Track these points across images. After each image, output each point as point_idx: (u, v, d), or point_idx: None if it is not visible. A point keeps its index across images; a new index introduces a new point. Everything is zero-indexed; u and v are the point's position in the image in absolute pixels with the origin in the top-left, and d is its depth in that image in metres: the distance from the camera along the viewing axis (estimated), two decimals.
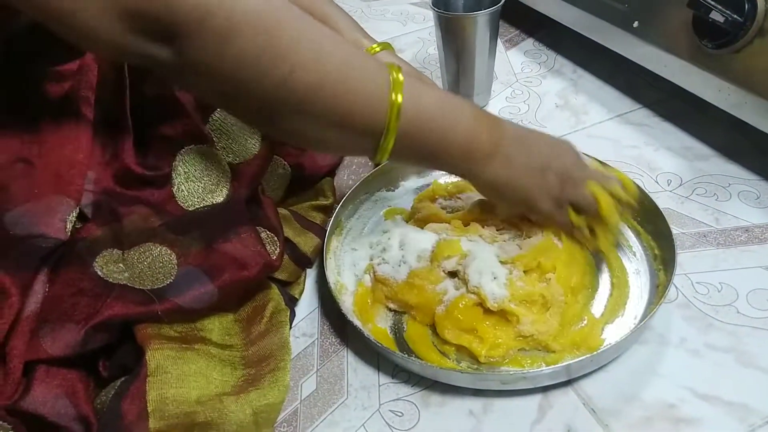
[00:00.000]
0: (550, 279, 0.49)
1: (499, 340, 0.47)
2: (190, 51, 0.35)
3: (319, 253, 0.58)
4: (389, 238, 0.54)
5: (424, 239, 0.53)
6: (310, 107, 0.39)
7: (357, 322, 0.48)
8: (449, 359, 0.48)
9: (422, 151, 0.44)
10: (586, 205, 0.50)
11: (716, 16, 0.55)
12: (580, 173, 0.50)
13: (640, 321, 0.47)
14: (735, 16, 0.54)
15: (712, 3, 0.55)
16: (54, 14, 0.32)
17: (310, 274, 0.58)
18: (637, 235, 0.55)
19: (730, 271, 0.53)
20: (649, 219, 0.54)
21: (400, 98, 0.40)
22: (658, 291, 0.49)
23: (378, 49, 0.60)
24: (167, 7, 0.33)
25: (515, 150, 0.47)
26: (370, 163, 0.70)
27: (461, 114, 0.44)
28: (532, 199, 0.49)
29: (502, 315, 0.48)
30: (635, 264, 0.53)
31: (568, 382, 0.46)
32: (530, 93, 0.81)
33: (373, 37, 0.62)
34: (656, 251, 0.53)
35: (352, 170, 0.70)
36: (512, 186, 0.48)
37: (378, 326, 0.51)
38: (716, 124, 0.68)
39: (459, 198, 0.60)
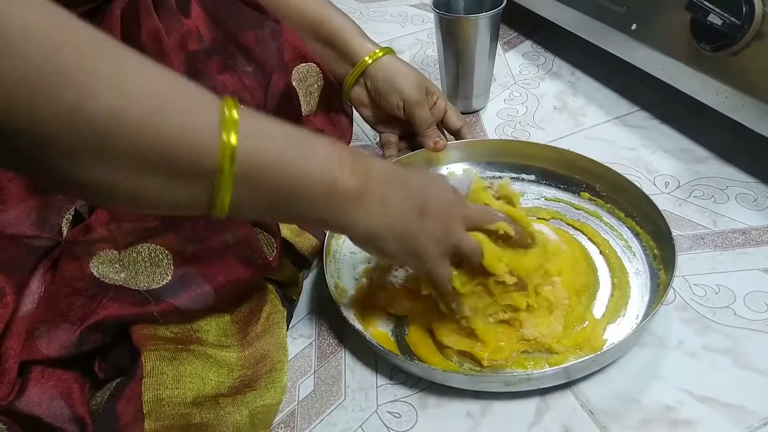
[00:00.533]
0: (555, 282, 0.49)
1: (502, 344, 0.47)
2: None
3: (317, 254, 0.58)
4: None
5: None
6: (113, 145, 0.29)
7: (359, 326, 0.48)
8: (452, 362, 0.48)
9: (272, 200, 0.35)
10: (469, 253, 0.43)
11: (714, 18, 0.55)
12: (461, 211, 0.43)
13: (642, 321, 0.47)
14: (733, 18, 0.54)
15: (710, 6, 0.55)
16: None
17: (308, 276, 0.58)
18: (637, 235, 0.55)
19: (727, 273, 0.53)
20: (649, 220, 0.55)
21: (234, 139, 0.31)
22: (659, 290, 0.49)
23: (380, 54, 0.61)
24: None
25: (388, 189, 0.39)
26: None
27: (315, 151, 0.36)
28: (418, 247, 0.41)
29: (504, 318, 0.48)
30: (635, 264, 0.53)
31: (566, 384, 0.46)
32: (528, 95, 0.81)
33: (375, 42, 0.62)
34: (656, 251, 0.53)
35: None
36: (394, 234, 0.40)
37: (379, 329, 0.51)
38: (714, 127, 0.69)
39: None
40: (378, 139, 0.70)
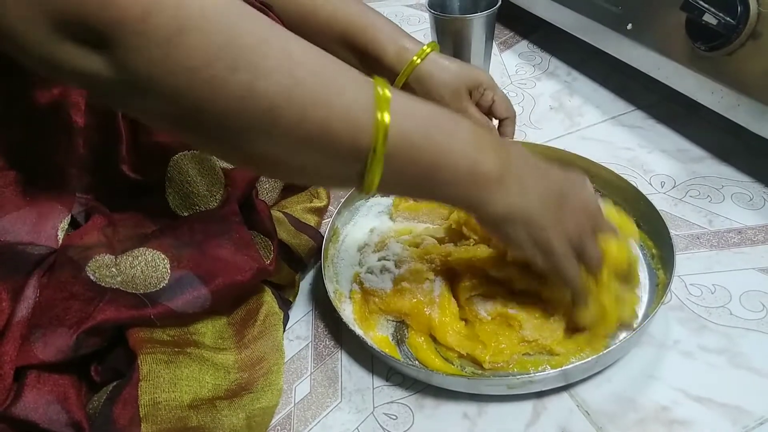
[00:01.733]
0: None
1: (503, 346, 0.47)
2: (128, 59, 0.28)
3: (314, 256, 0.58)
4: (367, 249, 0.55)
5: (398, 246, 0.54)
6: (280, 123, 0.32)
7: (359, 331, 0.48)
8: (453, 365, 0.47)
9: (416, 178, 0.37)
10: (589, 260, 0.43)
11: (709, 18, 0.55)
12: (598, 217, 0.44)
13: (642, 321, 0.47)
14: (728, 18, 0.54)
15: (705, 5, 0.55)
16: None
17: (305, 277, 0.58)
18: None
19: (723, 272, 0.53)
20: (645, 219, 0.55)
21: (387, 118, 0.33)
22: (658, 290, 0.49)
23: (428, 50, 0.58)
24: (100, 2, 0.27)
25: (528, 174, 0.40)
26: None
27: (459, 132, 0.38)
28: (549, 240, 0.41)
29: (504, 319, 0.48)
30: None
31: (563, 386, 0.46)
32: (524, 95, 0.81)
33: (419, 40, 0.59)
34: (654, 250, 0.53)
35: None
36: (528, 219, 0.40)
37: (378, 334, 0.50)
38: (710, 127, 0.69)
39: None
40: None
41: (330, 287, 0.51)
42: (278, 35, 0.32)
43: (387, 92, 0.34)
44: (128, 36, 0.28)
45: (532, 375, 0.45)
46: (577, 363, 0.44)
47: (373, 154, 0.34)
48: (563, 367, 0.43)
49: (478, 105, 0.62)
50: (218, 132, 0.32)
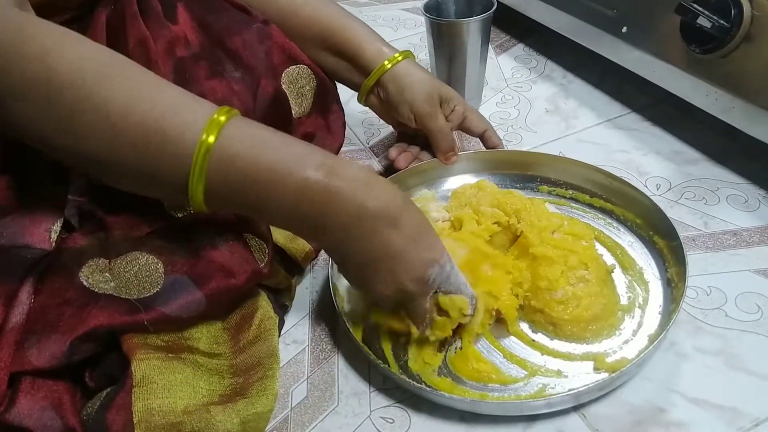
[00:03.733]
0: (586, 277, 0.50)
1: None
2: None
3: (310, 260, 0.58)
4: None
5: None
6: (106, 123, 0.36)
7: (373, 357, 0.46)
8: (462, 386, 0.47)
9: (244, 194, 0.39)
10: (414, 318, 0.46)
11: (703, 21, 0.55)
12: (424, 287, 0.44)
13: (660, 334, 0.45)
14: (722, 21, 0.54)
15: (700, 8, 0.55)
16: None
17: (302, 281, 0.58)
18: (647, 240, 0.55)
19: (718, 274, 0.53)
20: (649, 220, 0.55)
21: (211, 138, 0.37)
22: (674, 296, 0.49)
23: (400, 58, 0.60)
24: None
25: (349, 234, 0.41)
26: None
27: (288, 148, 0.39)
28: (374, 285, 0.43)
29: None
30: (645, 260, 0.54)
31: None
32: (520, 98, 0.81)
33: (394, 47, 0.61)
34: (665, 251, 0.53)
35: None
36: (354, 262, 0.43)
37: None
38: (705, 129, 0.69)
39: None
40: (377, 142, 0.70)
41: (346, 308, 0.51)
42: (123, 69, 0.38)
43: (222, 118, 0.38)
44: None
45: (548, 399, 0.43)
46: (592, 384, 0.42)
47: (193, 171, 0.37)
48: (574, 390, 0.42)
49: (448, 119, 0.63)
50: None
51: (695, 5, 0.55)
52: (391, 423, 0.45)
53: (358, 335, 0.49)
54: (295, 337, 0.53)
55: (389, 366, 0.47)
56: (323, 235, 0.41)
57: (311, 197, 0.39)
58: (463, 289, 0.45)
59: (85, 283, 0.41)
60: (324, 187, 0.39)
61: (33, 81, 0.35)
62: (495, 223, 0.55)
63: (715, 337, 0.48)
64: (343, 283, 0.55)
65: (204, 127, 0.37)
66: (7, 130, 0.39)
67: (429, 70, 0.77)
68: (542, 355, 0.48)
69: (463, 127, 0.65)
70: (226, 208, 0.44)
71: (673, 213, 0.60)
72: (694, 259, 0.55)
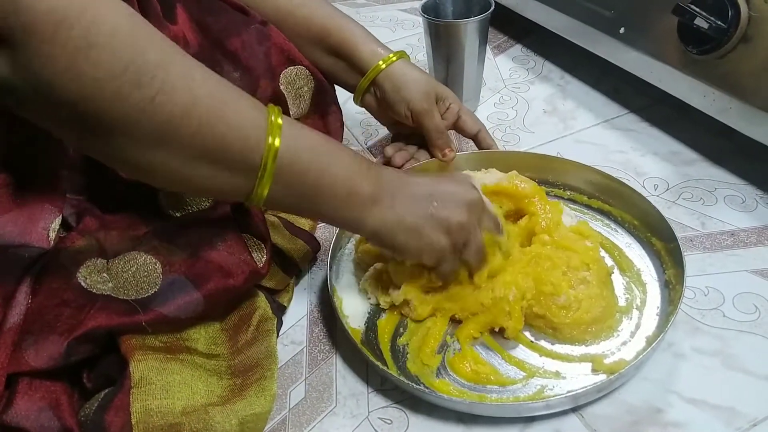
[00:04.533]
0: (587, 278, 0.50)
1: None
2: (33, 63, 0.30)
3: (309, 261, 0.58)
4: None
5: None
6: (176, 136, 0.35)
7: (372, 358, 0.46)
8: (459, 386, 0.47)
9: (301, 196, 0.41)
10: (474, 254, 0.47)
11: (701, 22, 0.55)
12: (475, 209, 0.46)
13: (658, 335, 0.46)
14: (719, 22, 0.55)
15: (697, 9, 0.55)
16: None
17: (300, 282, 0.58)
18: (645, 241, 0.56)
19: (716, 275, 0.53)
20: (646, 222, 0.55)
21: (277, 142, 0.38)
22: (671, 297, 0.49)
23: (395, 58, 0.60)
24: (14, 4, 0.29)
25: (397, 189, 0.44)
26: None
27: (339, 158, 0.42)
28: (428, 239, 0.45)
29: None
30: (644, 260, 0.54)
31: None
32: (518, 99, 0.81)
33: (389, 47, 0.61)
34: (663, 252, 0.53)
35: None
36: (403, 227, 0.44)
37: (354, 327, 0.51)
38: (702, 129, 0.69)
39: None
40: (375, 143, 0.70)
41: (353, 324, 0.51)
42: (181, 58, 0.36)
43: (279, 120, 0.39)
44: (36, 43, 0.30)
45: (547, 401, 0.43)
46: (590, 386, 0.43)
47: (263, 172, 0.38)
48: (573, 392, 0.43)
49: (443, 118, 0.64)
50: (118, 140, 0.34)
51: (692, 6, 0.56)
52: (389, 424, 0.45)
53: (356, 336, 0.49)
54: (294, 337, 0.53)
55: (388, 367, 0.47)
56: (363, 229, 0.44)
57: (360, 200, 0.43)
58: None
59: (83, 283, 0.41)
60: (370, 195, 0.43)
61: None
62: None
63: (713, 338, 0.48)
64: (341, 284, 0.55)
65: (266, 129, 0.38)
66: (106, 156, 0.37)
67: (427, 70, 0.78)
68: (540, 356, 0.48)
69: (456, 127, 0.66)
70: (278, 207, 0.47)
71: (670, 213, 0.60)
72: (691, 260, 0.55)
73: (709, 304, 0.51)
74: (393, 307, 0.52)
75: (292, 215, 0.59)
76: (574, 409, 0.45)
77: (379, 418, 0.46)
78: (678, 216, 0.59)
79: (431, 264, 0.47)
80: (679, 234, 0.55)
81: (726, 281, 0.52)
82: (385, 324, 0.52)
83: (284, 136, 0.38)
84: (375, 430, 0.45)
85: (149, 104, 0.33)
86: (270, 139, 0.38)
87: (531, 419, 0.44)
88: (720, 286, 0.52)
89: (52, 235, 0.41)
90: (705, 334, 0.49)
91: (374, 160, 0.73)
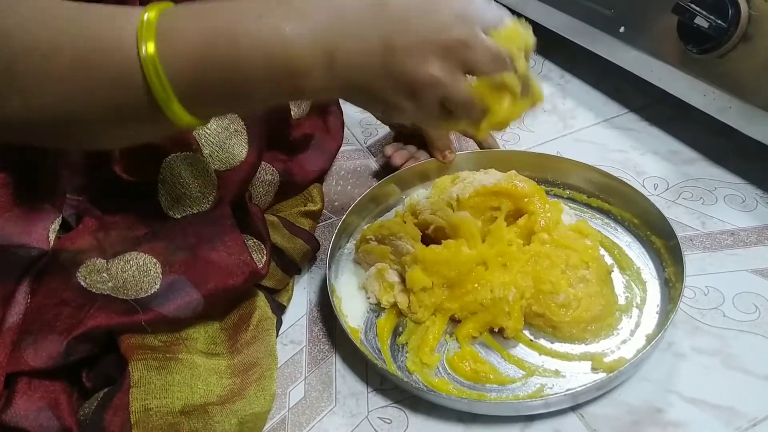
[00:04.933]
0: (586, 277, 0.50)
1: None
2: None
3: (308, 260, 0.58)
4: None
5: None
6: (32, 63, 0.31)
7: (371, 357, 0.47)
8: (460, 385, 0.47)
9: (220, 93, 0.34)
10: (462, 113, 0.36)
11: (701, 21, 0.55)
12: (453, 50, 0.33)
13: (658, 333, 0.46)
14: (719, 21, 0.55)
15: (697, 8, 0.55)
16: None
17: (299, 281, 0.58)
18: (646, 240, 0.55)
19: (716, 274, 0.53)
20: (646, 221, 0.55)
21: (151, 48, 0.31)
22: (671, 295, 0.49)
23: None
24: None
25: (338, 31, 0.32)
26: (359, 170, 0.70)
27: (247, 21, 0.32)
28: (388, 104, 0.34)
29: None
30: (643, 260, 0.54)
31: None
32: None
33: None
34: (662, 250, 0.53)
35: (341, 176, 0.70)
36: (353, 91, 0.35)
37: (353, 326, 0.51)
38: (702, 129, 0.69)
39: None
40: (375, 142, 0.70)
41: (352, 323, 0.51)
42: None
43: (151, 17, 0.32)
44: None
45: (542, 399, 0.43)
46: (589, 384, 0.43)
47: (152, 84, 0.31)
48: (572, 390, 0.43)
49: None
50: None
51: (692, 5, 0.56)
52: (389, 423, 0.45)
53: (355, 335, 0.49)
54: (293, 337, 0.53)
55: (387, 366, 0.47)
56: (311, 70, 0.33)
57: (294, 66, 0.32)
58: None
59: (82, 283, 0.41)
60: (298, 62, 0.32)
61: None
62: (492, 209, 0.55)
63: (713, 337, 0.48)
64: (340, 283, 0.55)
65: (136, 35, 0.31)
66: None
67: None
68: (540, 355, 0.48)
69: None
70: (209, 108, 0.36)
71: (670, 213, 0.60)
72: (691, 259, 0.55)
73: (709, 303, 0.51)
74: (393, 306, 0.52)
75: (290, 215, 0.59)
76: (574, 409, 0.45)
77: (378, 417, 0.46)
78: (678, 215, 0.59)
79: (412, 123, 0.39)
80: (679, 233, 0.55)
81: (726, 281, 0.52)
82: (385, 323, 0.52)
83: (160, 37, 0.31)
84: (374, 429, 0.45)
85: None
86: (143, 48, 0.31)
87: (531, 420, 0.44)
88: (720, 286, 0.52)
89: (52, 236, 0.41)
90: (705, 334, 0.49)
91: (374, 158, 0.73)
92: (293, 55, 0.32)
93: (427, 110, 0.35)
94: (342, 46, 0.32)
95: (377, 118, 0.66)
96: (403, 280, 0.52)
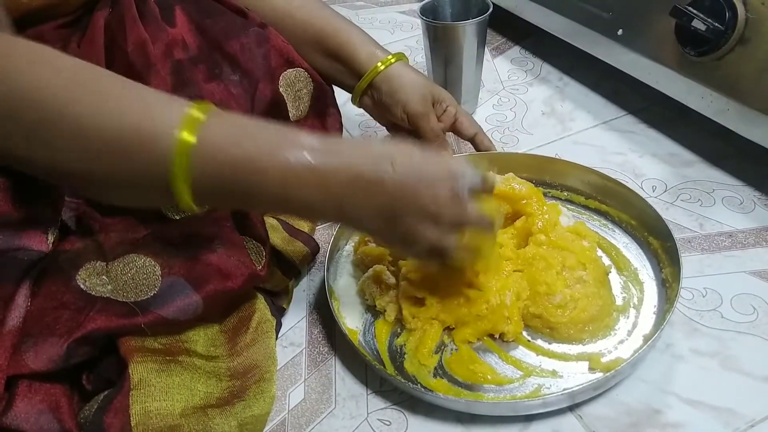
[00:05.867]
0: (583, 278, 0.50)
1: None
2: None
3: (307, 263, 0.58)
4: None
5: None
6: (60, 128, 0.34)
7: (369, 358, 0.47)
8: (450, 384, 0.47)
9: (231, 197, 0.39)
10: (457, 260, 0.44)
11: (698, 24, 0.56)
12: (444, 216, 0.41)
13: (654, 333, 0.46)
14: (716, 24, 0.55)
15: (694, 11, 0.55)
16: None
17: (299, 284, 0.58)
18: (643, 241, 0.56)
19: (714, 276, 0.53)
20: (644, 222, 0.56)
21: (189, 136, 0.35)
22: (668, 295, 0.49)
23: (393, 60, 0.60)
24: None
25: (348, 194, 0.39)
26: None
27: (276, 151, 0.37)
28: (393, 244, 0.44)
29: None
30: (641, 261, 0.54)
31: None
32: (517, 101, 0.81)
33: (387, 50, 0.61)
34: (660, 252, 0.53)
35: None
36: (362, 229, 0.44)
37: (351, 327, 0.51)
38: (700, 131, 0.69)
39: None
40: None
41: (351, 324, 0.51)
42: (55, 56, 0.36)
43: (200, 115, 0.36)
44: None
45: (539, 399, 0.44)
46: (586, 383, 0.43)
47: (173, 170, 0.35)
48: (568, 390, 0.43)
49: (440, 120, 0.64)
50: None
51: (690, 8, 0.56)
52: (388, 425, 0.45)
53: (353, 337, 0.49)
54: (292, 339, 0.53)
55: (385, 368, 0.48)
56: (322, 211, 0.40)
57: (296, 177, 0.38)
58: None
59: (82, 286, 0.41)
60: (306, 166, 0.37)
61: None
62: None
63: (711, 339, 0.48)
64: (339, 285, 0.55)
65: (179, 125, 0.35)
66: None
67: (425, 72, 0.78)
68: (537, 355, 0.48)
69: (454, 129, 0.66)
70: (216, 205, 0.43)
71: (668, 215, 0.60)
72: (689, 261, 0.55)
73: (707, 305, 0.51)
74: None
75: (291, 217, 0.59)
76: (572, 410, 0.45)
77: (378, 419, 0.46)
78: (676, 217, 0.60)
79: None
80: (677, 235, 0.55)
81: (724, 282, 0.53)
82: (383, 325, 0.52)
83: (205, 131, 0.36)
84: (374, 431, 0.45)
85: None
86: (181, 134, 0.35)
87: (530, 421, 0.44)
88: (718, 288, 0.52)
89: (51, 238, 0.41)
90: (703, 335, 0.49)
91: None
92: (309, 204, 0.39)
93: (418, 255, 0.43)
94: (353, 213, 0.40)
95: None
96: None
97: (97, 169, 0.36)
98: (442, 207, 0.40)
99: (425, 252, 0.42)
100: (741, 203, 0.60)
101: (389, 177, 0.38)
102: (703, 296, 0.52)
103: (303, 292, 0.57)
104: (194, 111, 0.36)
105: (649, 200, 0.55)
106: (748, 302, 0.51)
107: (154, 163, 0.36)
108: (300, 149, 0.38)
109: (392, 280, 0.52)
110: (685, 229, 0.58)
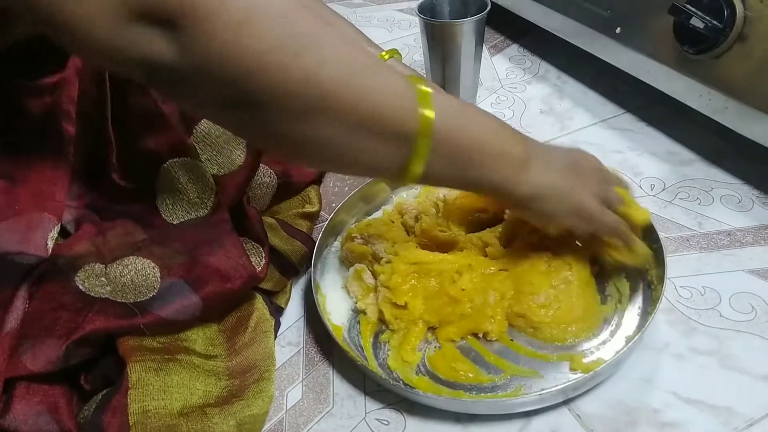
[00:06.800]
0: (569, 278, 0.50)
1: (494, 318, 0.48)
2: (199, 42, 0.30)
3: (306, 262, 0.58)
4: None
5: None
6: (336, 106, 0.34)
7: (362, 362, 0.47)
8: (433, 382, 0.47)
9: (454, 165, 0.40)
10: (610, 228, 0.48)
11: (696, 22, 0.55)
12: (608, 174, 0.49)
13: (639, 329, 0.46)
14: (715, 22, 0.55)
15: (693, 9, 0.55)
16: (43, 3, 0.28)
17: (297, 283, 0.58)
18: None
19: (712, 274, 0.53)
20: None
21: (431, 112, 0.37)
22: (653, 295, 0.49)
23: (386, 57, 0.59)
24: None
25: (546, 153, 0.45)
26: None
27: (488, 123, 0.42)
28: (580, 202, 0.45)
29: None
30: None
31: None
32: (515, 99, 0.81)
33: (379, 46, 0.61)
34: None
35: (338, 177, 0.70)
36: (558, 190, 0.44)
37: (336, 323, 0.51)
38: (698, 129, 0.69)
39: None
40: None
41: (335, 319, 0.51)
42: (328, 29, 0.35)
43: (426, 88, 0.38)
44: (201, 20, 0.29)
45: (530, 396, 0.43)
46: (573, 381, 0.43)
47: (418, 145, 0.37)
48: (557, 387, 0.43)
49: None
50: (273, 114, 0.33)
51: (688, 6, 0.56)
52: (387, 425, 0.45)
53: (338, 333, 0.49)
54: (291, 339, 0.53)
55: (368, 364, 0.47)
56: (517, 192, 0.43)
57: (512, 161, 0.42)
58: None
59: (80, 287, 0.41)
60: (520, 158, 0.42)
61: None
62: (478, 212, 0.55)
63: (710, 338, 0.48)
64: (326, 281, 0.55)
65: (416, 100, 0.36)
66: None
67: (423, 70, 0.78)
68: (520, 354, 0.48)
69: None
70: (428, 181, 0.43)
71: (667, 213, 0.60)
72: (688, 260, 0.55)
73: (706, 303, 0.51)
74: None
75: (288, 216, 0.59)
76: (570, 409, 0.45)
77: (376, 419, 0.46)
78: (675, 216, 0.60)
79: (582, 229, 0.47)
80: (675, 234, 0.55)
81: (722, 281, 0.53)
82: (368, 321, 0.51)
83: (437, 105, 0.37)
84: (372, 430, 0.45)
85: (311, 74, 0.32)
86: (423, 110, 0.37)
87: (528, 420, 0.45)
88: (716, 286, 0.52)
89: (51, 243, 0.41)
90: (702, 334, 0.49)
91: None
92: (516, 186, 0.43)
93: (601, 206, 0.47)
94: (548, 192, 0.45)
95: None
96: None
97: (350, 144, 0.36)
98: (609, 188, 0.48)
99: (609, 227, 0.47)
100: (740, 201, 0.60)
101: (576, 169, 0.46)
102: (702, 295, 0.52)
103: (301, 291, 0.57)
104: (421, 84, 0.38)
105: (648, 199, 0.55)
106: (747, 301, 0.51)
107: (397, 135, 0.37)
108: (515, 145, 0.43)
109: (372, 280, 0.52)
110: (684, 227, 0.58)
